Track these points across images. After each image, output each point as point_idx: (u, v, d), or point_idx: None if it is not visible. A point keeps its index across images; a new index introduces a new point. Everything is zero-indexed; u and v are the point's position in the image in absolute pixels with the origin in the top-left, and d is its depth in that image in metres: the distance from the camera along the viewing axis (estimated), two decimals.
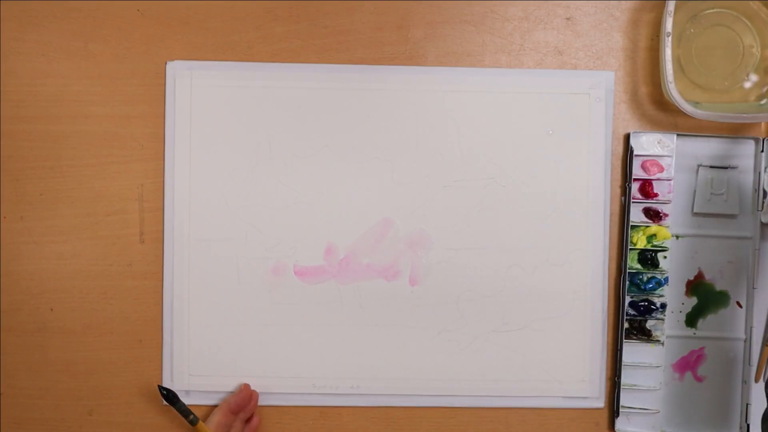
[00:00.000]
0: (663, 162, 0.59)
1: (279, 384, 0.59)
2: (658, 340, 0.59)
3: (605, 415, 0.60)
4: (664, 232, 0.59)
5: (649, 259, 0.59)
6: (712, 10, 0.59)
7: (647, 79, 0.60)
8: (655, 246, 0.59)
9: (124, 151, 0.59)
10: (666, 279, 0.59)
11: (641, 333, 0.59)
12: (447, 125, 0.59)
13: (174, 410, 0.59)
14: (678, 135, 0.59)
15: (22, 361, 0.60)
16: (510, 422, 0.60)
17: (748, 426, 0.59)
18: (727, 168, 0.59)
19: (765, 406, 0.52)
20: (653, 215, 0.59)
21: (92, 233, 0.59)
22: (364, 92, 0.59)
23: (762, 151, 0.59)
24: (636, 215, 0.59)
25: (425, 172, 0.59)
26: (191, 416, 0.56)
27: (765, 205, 0.59)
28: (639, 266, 0.59)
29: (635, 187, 0.59)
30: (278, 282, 0.59)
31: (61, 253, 0.59)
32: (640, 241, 0.59)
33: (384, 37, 0.59)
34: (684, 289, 0.60)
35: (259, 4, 0.59)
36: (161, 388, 0.56)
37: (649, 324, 0.59)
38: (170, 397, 0.56)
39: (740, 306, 0.60)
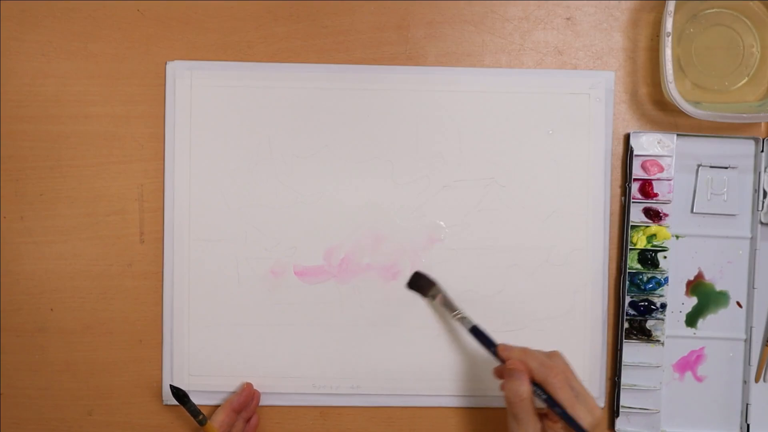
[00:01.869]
0: (663, 162, 0.59)
1: (279, 384, 0.59)
2: (658, 340, 0.59)
3: (605, 415, 0.60)
4: (664, 232, 0.59)
5: (649, 259, 0.59)
6: (712, 10, 0.59)
7: (647, 79, 0.60)
8: (655, 246, 0.59)
9: (124, 151, 0.59)
10: (666, 279, 0.59)
11: (641, 333, 0.59)
12: (447, 125, 0.59)
13: (174, 410, 0.59)
14: (678, 135, 0.59)
15: (22, 361, 0.60)
16: None
17: (748, 426, 0.59)
18: (727, 168, 0.59)
19: None
20: (653, 215, 0.59)
21: (92, 233, 0.59)
22: (364, 92, 0.59)
23: (762, 151, 0.59)
24: (636, 215, 0.59)
25: (425, 172, 0.59)
26: (200, 416, 0.56)
27: (765, 205, 0.59)
28: (639, 266, 0.59)
29: (635, 187, 0.59)
30: (278, 282, 0.59)
31: (61, 253, 0.59)
32: (640, 241, 0.59)
33: (384, 37, 0.59)
34: (684, 289, 0.60)
35: (259, 4, 0.59)
36: (173, 387, 0.56)
37: (649, 324, 0.59)
38: (181, 396, 0.55)
39: (740, 306, 0.60)
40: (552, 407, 0.49)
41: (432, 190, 0.59)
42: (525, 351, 0.52)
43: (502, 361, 0.52)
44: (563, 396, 0.49)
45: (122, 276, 0.59)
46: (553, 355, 0.52)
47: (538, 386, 0.50)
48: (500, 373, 0.53)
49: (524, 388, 0.49)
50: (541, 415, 0.50)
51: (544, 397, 0.49)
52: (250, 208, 0.59)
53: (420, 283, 0.59)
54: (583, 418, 0.48)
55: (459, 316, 0.56)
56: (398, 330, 0.59)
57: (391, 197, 0.59)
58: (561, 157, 0.59)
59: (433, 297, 0.58)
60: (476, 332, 0.55)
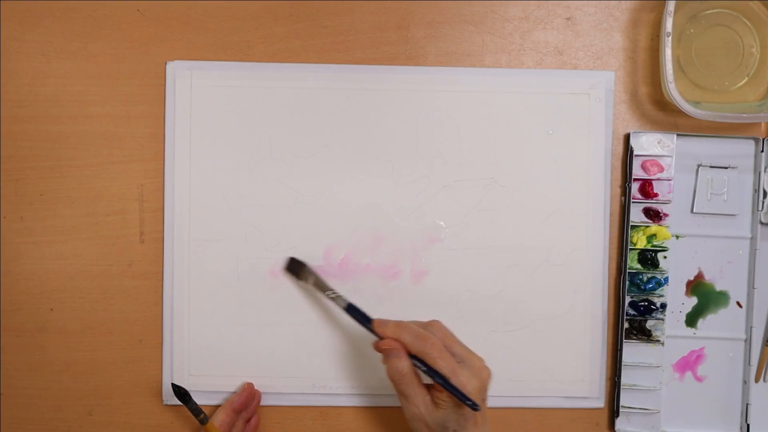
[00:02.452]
0: (663, 162, 0.59)
1: (279, 384, 0.59)
2: (658, 340, 0.59)
3: (605, 415, 0.60)
4: (664, 232, 0.59)
5: (649, 259, 0.59)
6: (712, 10, 0.59)
7: (647, 79, 0.60)
8: (655, 246, 0.59)
9: (124, 151, 0.59)
10: (666, 279, 0.59)
11: (641, 333, 0.59)
12: (447, 125, 0.59)
13: (174, 410, 0.59)
14: (678, 135, 0.59)
15: (22, 361, 0.60)
16: (510, 422, 0.60)
17: (748, 426, 0.59)
18: (727, 168, 0.59)
19: None
20: (653, 215, 0.59)
21: (92, 233, 0.59)
22: (364, 92, 0.59)
23: (762, 151, 0.59)
24: (636, 215, 0.59)
25: (425, 172, 0.59)
26: (202, 415, 0.56)
27: (765, 205, 0.59)
28: (639, 266, 0.59)
29: (635, 187, 0.59)
30: (278, 282, 0.59)
31: (61, 253, 0.59)
32: (640, 241, 0.59)
33: (384, 37, 0.59)
34: (684, 289, 0.60)
35: (259, 4, 0.59)
36: (174, 385, 0.56)
37: (649, 324, 0.59)
38: (182, 395, 0.55)
39: (740, 306, 0.60)
40: (433, 377, 0.49)
41: (432, 190, 0.59)
42: (399, 325, 0.51)
43: (379, 337, 0.52)
44: (442, 364, 0.48)
45: (122, 276, 0.59)
46: (431, 325, 0.51)
47: (417, 359, 0.49)
48: (379, 349, 0.52)
49: (403, 364, 0.49)
50: (428, 386, 0.50)
51: (424, 369, 0.49)
52: (250, 208, 0.59)
53: (294, 268, 0.58)
54: (467, 383, 0.48)
55: (333, 295, 0.56)
56: None
57: (391, 197, 0.59)
58: (561, 157, 0.59)
59: (307, 280, 0.58)
60: (352, 310, 0.54)
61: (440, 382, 0.48)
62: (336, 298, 0.56)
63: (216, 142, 0.59)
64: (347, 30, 0.59)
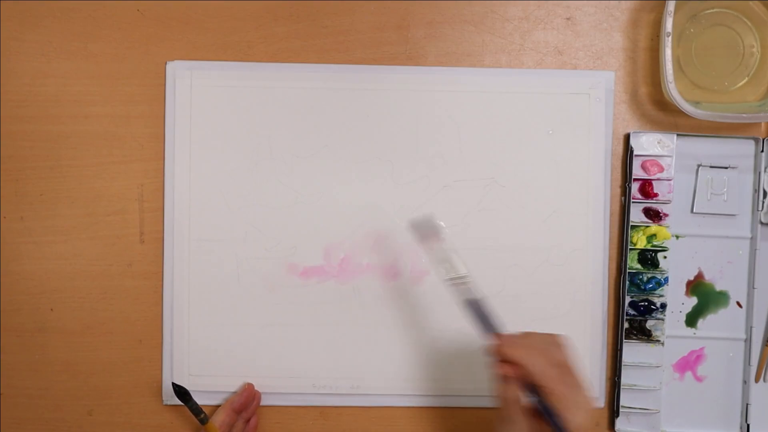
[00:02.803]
0: (663, 162, 0.59)
1: (279, 384, 0.59)
2: (658, 340, 0.59)
3: (605, 415, 0.60)
4: (664, 232, 0.59)
5: (649, 259, 0.59)
6: (712, 10, 0.59)
7: (647, 79, 0.60)
8: (655, 246, 0.59)
9: (124, 151, 0.59)
10: (666, 279, 0.59)
11: (641, 333, 0.59)
12: (447, 125, 0.59)
13: (174, 410, 0.59)
14: (678, 135, 0.59)
15: (22, 361, 0.60)
16: None
17: (748, 426, 0.59)
18: (727, 168, 0.59)
19: None
20: (653, 215, 0.59)
21: (92, 233, 0.59)
22: (363, 92, 0.59)
23: (762, 151, 0.59)
24: (636, 215, 0.59)
25: (425, 172, 0.59)
26: (202, 415, 0.56)
27: (765, 205, 0.59)
28: (639, 266, 0.59)
29: (635, 187, 0.59)
30: (278, 282, 0.59)
31: (61, 253, 0.59)
32: (640, 241, 0.59)
33: (384, 37, 0.59)
34: (684, 289, 0.60)
35: (259, 4, 0.59)
36: (175, 385, 0.56)
37: (649, 324, 0.59)
38: (183, 394, 0.55)
39: (740, 306, 0.60)
40: (542, 411, 0.47)
41: (432, 190, 0.59)
42: (525, 352, 0.47)
43: (496, 347, 0.48)
44: (556, 401, 0.46)
45: (122, 276, 0.59)
46: (555, 341, 0.48)
47: (529, 386, 0.47)
48: (498, 370, 0.48)
49: (515, 392, 0.47)
50: (531, 413, 0.48)
51: (535, 399, 0.47)
52: (250, 208, 0.59)
53: (424, 229, 0.52)
54: (572, 421, 0.46)
55: (458, 281, 0.48)
56: (398, 330, 0.59)
57: (391, 197, 0.59)
58: (561, 157, 0.59)
59: (431, 249, 0.50)
60: (474, 307, 0.48)
61: (549, 420, 0.46)
62: (460, 285, 0.47)
63: (216, 142, 0.59)
64: (347, 30, 0.59)
